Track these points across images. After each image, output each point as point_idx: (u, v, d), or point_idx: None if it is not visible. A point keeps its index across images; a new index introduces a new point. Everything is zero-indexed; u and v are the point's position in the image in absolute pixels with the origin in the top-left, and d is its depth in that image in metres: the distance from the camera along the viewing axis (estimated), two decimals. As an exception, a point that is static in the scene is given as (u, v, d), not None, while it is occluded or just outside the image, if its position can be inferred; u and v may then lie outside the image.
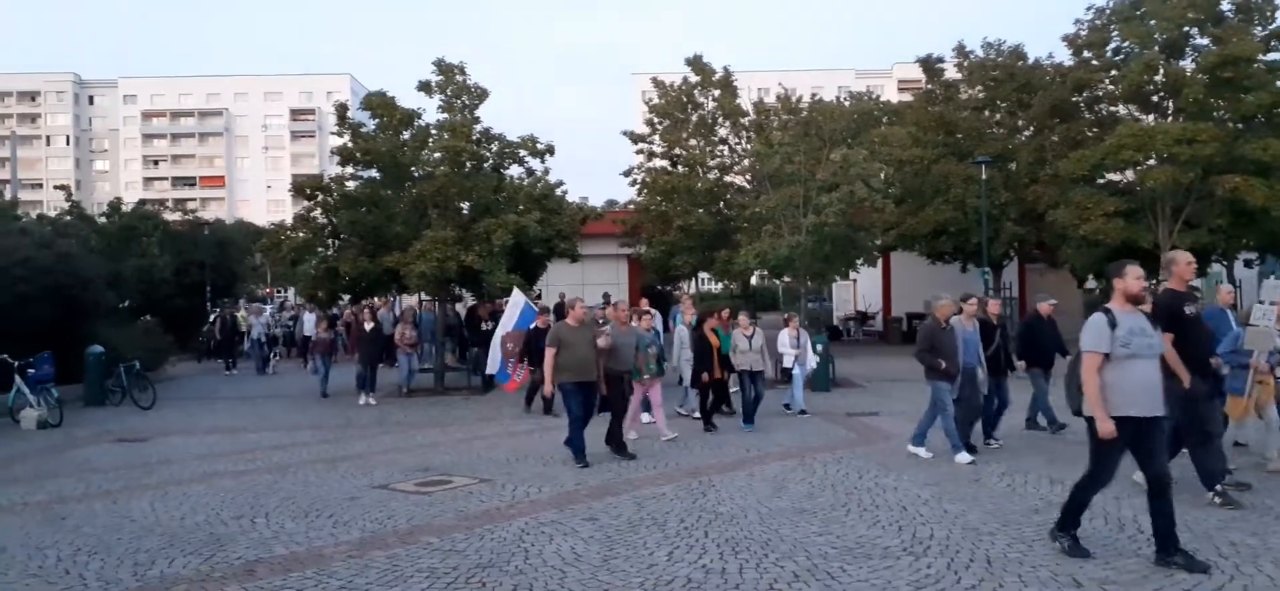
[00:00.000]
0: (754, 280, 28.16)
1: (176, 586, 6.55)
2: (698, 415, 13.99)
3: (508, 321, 16.90)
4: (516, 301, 17.21)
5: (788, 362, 14.89)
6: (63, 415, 16.13)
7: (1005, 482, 9.24)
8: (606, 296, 22.80)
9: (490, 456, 11.63)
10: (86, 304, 20.21)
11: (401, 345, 19.27)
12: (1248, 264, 30.58)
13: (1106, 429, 6.17)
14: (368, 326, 19.04)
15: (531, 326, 16.20)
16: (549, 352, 10.89)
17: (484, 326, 20.22)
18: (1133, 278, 6.45)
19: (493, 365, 16.78)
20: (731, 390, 14.48)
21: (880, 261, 32.39)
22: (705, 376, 13.57)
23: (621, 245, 31.65)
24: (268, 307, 33.48)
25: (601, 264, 33.55)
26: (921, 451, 10.74)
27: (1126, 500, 8.25)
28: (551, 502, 8.87)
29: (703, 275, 32.48)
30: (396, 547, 7.40)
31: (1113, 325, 6.28)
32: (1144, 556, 6.58)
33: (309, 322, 27.13)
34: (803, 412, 14.59)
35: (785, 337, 15.03)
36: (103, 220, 31.83)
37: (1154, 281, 24.60)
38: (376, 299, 24.07)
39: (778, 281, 25.22)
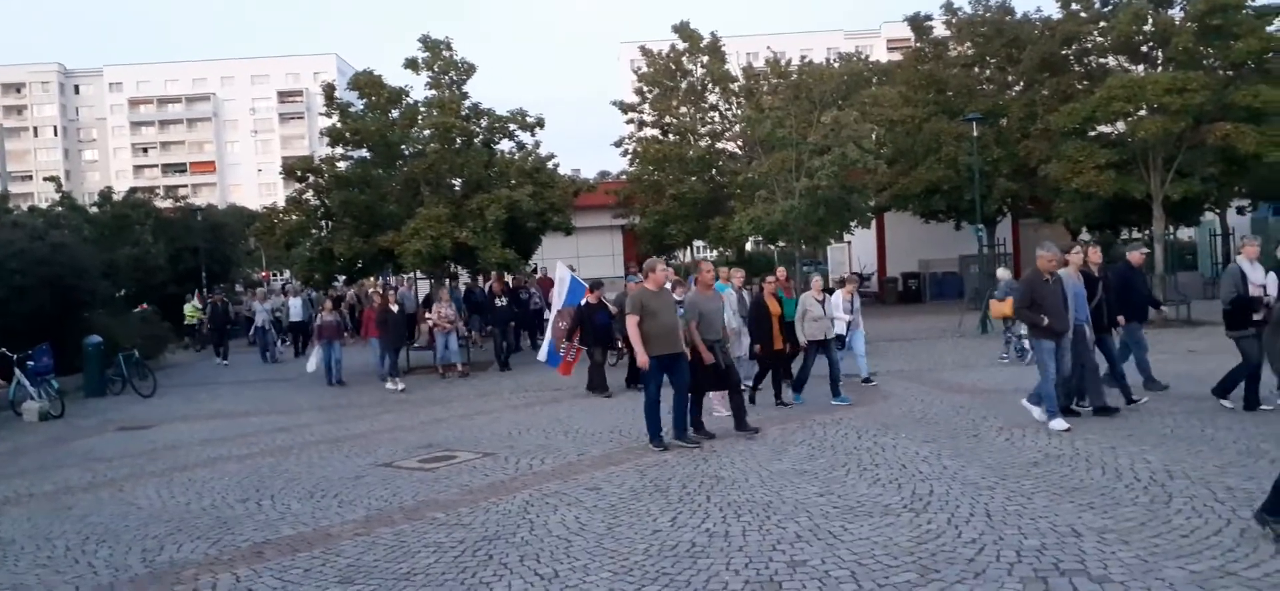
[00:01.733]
0: (749, 246, 28.19)
1: (186, 571, 6.61)
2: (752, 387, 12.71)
3: (557, 299, 15.92)
4: (562, 277, 16.07)
5: (840, 328, 13.61)
6: (64, 406, 16.18)
7: (1004, 437, 9.31)
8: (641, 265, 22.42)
9: (492, 431, 11.69)
10: (82, 294, 20.22)
11: (440, 324, 18.30)
12: (1240, 211, 30.66)
13: None
14: (393, 308, 18.11)
15: (582, 302, 15.22)
16: (632, 321, 9.71)
17: (497, 303, 19.68)
18: None
19: (543, 350, 15.80)
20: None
21: (874, 222, 32.45)
22: (758, 347, 12.24)
23: (615, 216, 31.66)
24: (274, 291, 32.99)
25: (596, 236, 33.58)
26: (1051, 419, 9.58)
27: (1123, 448, 8.35)
28: (554, 474, 8.94)
29: (698, 243, 32.53)
30: (402, 524, 7.46)
31: None
32: (1141, 504, 6.66)
33: (295, 307, 26.42)
34: (867, 380, 13.75)
35: (839, 301, 13.81)
36: (94, 210, 31.79)
37: (1147, 233, 24.73)
38: (393, 278, 23.56)
39: (772, 246, 25.22)
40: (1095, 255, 11.26)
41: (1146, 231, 24.79)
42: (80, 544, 7.49)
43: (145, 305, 26.92)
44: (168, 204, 36.30)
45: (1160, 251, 23.09)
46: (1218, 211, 28.80)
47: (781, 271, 13.82)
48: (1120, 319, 11.21)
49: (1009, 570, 5.54)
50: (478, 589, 5.83)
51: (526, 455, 9.93)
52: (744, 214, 23.25)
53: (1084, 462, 7.98)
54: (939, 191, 28.49)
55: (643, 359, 9.69)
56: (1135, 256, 12.06)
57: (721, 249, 27.97)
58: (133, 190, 36.35)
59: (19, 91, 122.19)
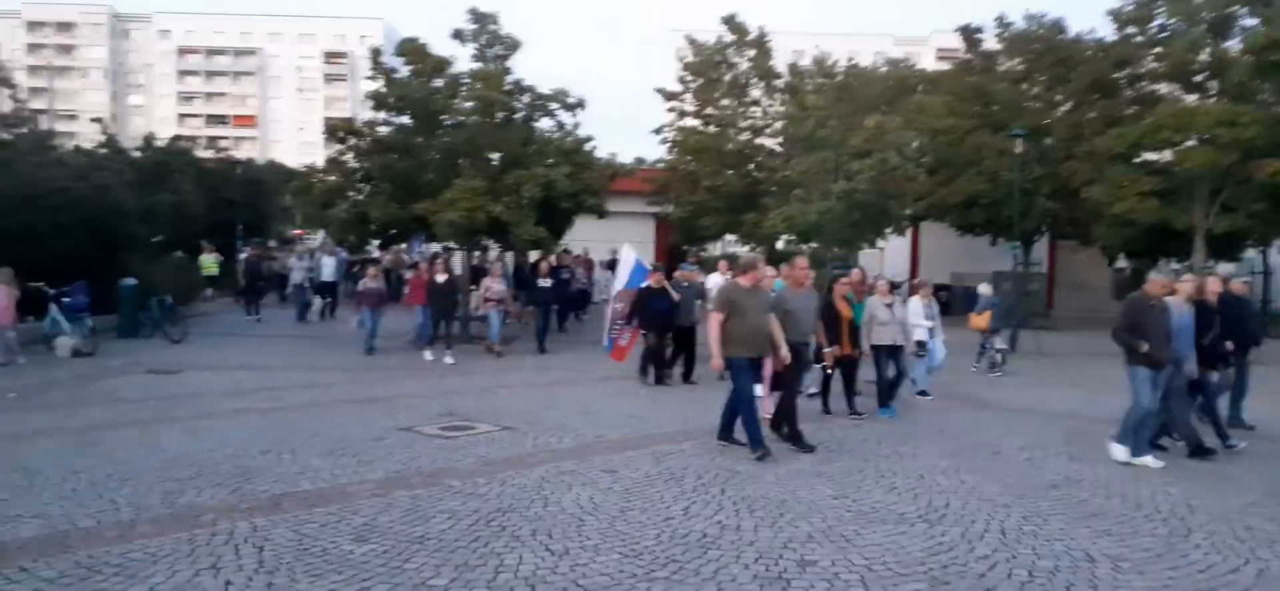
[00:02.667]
0: (780, 245, 28.08)
1: (205, 515, 6.72)
2: (816, 394, 11.93)
3: (619, 281, 15.64)
4: (627, 259, 15.72)
5: (921, 334, 13.03)
6: (96, 345, 16.44)
7: (1025, 456, 9.25)
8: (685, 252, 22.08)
9: (513, 406, 11.75)
10: (121, 236, 20.47)
11: (488, 300, 17.79)
12: (1282, 251, 30.16)
13: None
14: (439, 278, 17.45)
15: (644, 285, 14.61)
16: (716, 319, 9.00)
17: (541, 283, 19.31)
18: None
19: (605, 337, 15.49)
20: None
21: (909, 231, 32.20)
22: (827, 353, 11.25)
23: (649, 204, 31.62)
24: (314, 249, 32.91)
25: (628, 222, 33.45)
26: (1138, 454, 8.93)
27: (1144, 480, 8.26)
28: (571, 453, 8.98)
29: (730, 237, 32.45)
30: (419, 488, 7.54)
31: None
32: (1159, 536, 6.60)
33: (329, 267, 26.52)
34: (923, 393, 13.06)
35: (918, 307, 13.29)
36: (137, 154, 32.11)
37: (1186, 264, 24.40)
38: (436, 245, 23.33)
39: (804, 247, 25.10)
40: (1215, 285, 10.62)
41: (1186, 263, 24.45)
42: (103, 479, 7.63)
43: (179, 252, 27.20)
44: (208, 154, 36.65)
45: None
46: (1260, 249, 28.31)
47: (857, 273, 13.03)
48: (1230, 346, 10.48)
49: (1020, 589, 5.52)
50: (489, 558, 5.89)
51: (545, 432, 9.98)
52: (778, 211, 23.15)
53: (1104, 489, 7.91)
54: (977, 205, 28.21)
55: (715, 363, 9.11)
56: (1237, 286, 11.48)
57: (752, 245, 27.88)
58: (175, 138, 36.70)
59: (70, 31, 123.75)
